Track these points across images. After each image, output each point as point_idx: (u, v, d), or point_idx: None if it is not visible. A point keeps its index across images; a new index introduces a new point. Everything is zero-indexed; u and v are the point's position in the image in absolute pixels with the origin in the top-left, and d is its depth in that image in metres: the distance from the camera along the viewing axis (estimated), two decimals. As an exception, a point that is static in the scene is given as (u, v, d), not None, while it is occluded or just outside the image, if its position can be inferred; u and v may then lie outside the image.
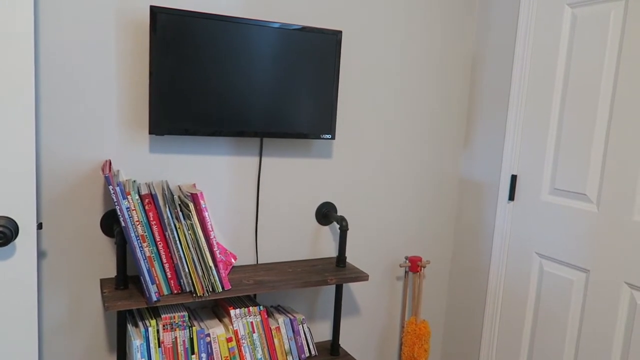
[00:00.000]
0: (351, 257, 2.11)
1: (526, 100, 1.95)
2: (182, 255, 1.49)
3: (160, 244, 1.49)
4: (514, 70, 1.98)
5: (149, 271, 1.47)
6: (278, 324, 1.76)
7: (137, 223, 1.46)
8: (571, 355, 1.79)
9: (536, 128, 1.90)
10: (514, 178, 1.99)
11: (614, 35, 1.64)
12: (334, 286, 2.06)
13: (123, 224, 1.42)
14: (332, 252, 2.06)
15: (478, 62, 2.18)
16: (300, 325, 1.81)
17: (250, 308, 1.70)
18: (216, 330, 1.63)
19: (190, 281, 1.52)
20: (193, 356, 1.59)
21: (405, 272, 2.24)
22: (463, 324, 2.27)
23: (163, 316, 1.57)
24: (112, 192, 1.40)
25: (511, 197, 2.00)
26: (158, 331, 1.55)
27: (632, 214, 1.59)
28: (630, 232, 1.59)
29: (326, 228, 2.03)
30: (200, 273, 1.52)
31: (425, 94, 2.14)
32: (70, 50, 1.52)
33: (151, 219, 1.48)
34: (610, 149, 1.65)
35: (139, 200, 1.46)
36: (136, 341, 1.51)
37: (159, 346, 1.54)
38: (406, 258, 2.21)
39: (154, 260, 1.49)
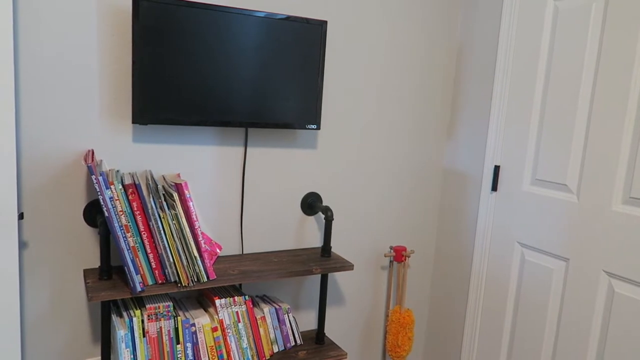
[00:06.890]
0: (336, 247, 2.12)
1: (509, 92, 1.97)
2: (166, 245, 1.49)
3: (144, 234, 1.48)
4: (497, 61, 2.00)
5: (133, 261, 1.47)
6: (263, 313, 1.77)
7: (121, 213, 1.45)
8: (551, 341, 1.84)
9: (519, 119, 1.93)
10: (496, 169, 2.02)
11: (594, 28, 1.67)
12: (319, 276, 2.07)
13: (106, 214, 1.41)
14: (317, 242, 2.07)
15: (462, 53, 2.19)
16: (286, 315, 1.82)
17: (236, 298, 1.71)
18: (201, 320, 1.64)
19: (174, 271, 1.51)
20: (178, 346, 1.59)
21: (390, 261, 2.26)
22: (446, 313, 2.30)
23: (148, 306, 1.57)
24: (95, 181, 1.39)
25: (494, 187, 2.03)
26: (143, 321, 1.55)
27: (610, 204, 1.62)
28: (608, 222, 1.63)
29: (311, 218, 2.04)
30: (185, 263, 1.51)
31: (410, 85, 2.15)
32: (51, 39, 1.50)
33: (135, 208, 1.47)
34: (590, 140, 1.68)
35: (123, 190, 1.45)
36: (120, 331, 1.50)
37: (144, 336, 1.54)
38: (391, 248, 2.23)
39: (138, 251, 1.48)
